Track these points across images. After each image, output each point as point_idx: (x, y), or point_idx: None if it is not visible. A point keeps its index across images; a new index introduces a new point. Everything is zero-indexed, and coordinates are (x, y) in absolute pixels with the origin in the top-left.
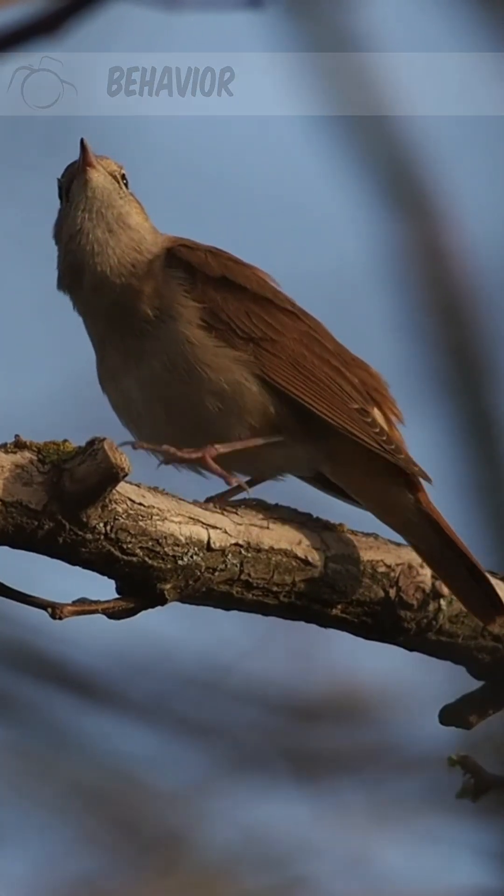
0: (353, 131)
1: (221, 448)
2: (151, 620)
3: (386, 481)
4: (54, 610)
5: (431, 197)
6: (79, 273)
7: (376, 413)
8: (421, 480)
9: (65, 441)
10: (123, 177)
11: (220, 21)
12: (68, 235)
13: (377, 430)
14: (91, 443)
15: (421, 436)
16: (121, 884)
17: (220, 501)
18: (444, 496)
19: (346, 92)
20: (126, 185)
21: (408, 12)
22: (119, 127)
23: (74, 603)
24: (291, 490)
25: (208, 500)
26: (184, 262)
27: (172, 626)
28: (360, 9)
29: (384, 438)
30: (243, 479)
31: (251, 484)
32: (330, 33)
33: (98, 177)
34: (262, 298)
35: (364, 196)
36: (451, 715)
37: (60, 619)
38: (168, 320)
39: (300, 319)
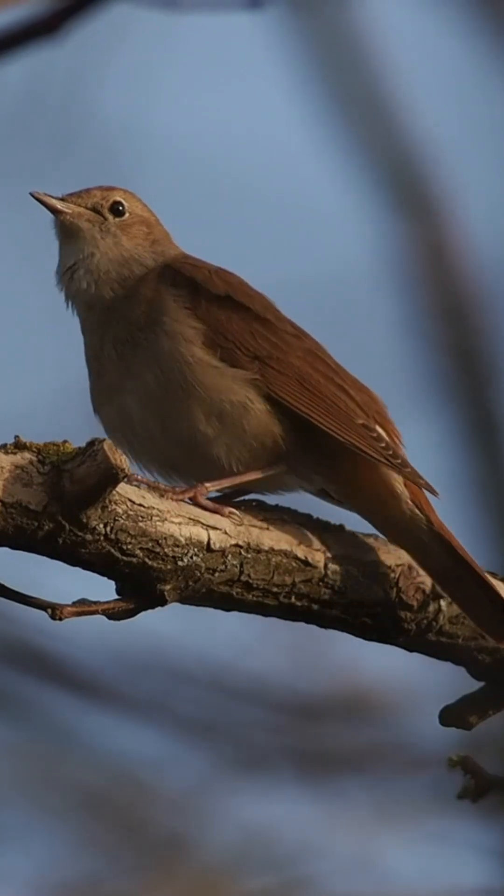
0: (356, 132)
1: (210, 486)
2: (152, 621)
3: (393, 501)
4: (54, 611)
5: (435, 197)
6: (73, 301)
7: (381, 429)
8: (430, 499)
9: (65, 442)
10: (115, 203)
11: (220, 21)
12: (60, 272)
13: (383, 444)
14: (91, 444)
15: (425, 438)
16: (123, 884)
17: (221, 502)
18: (447, 498)
19: (347, 92)
20: (120, 209)
21: (410, 11)
22: (120, 127)
23: (74, 604)
24: (291, 492)
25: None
26: (187, 278)
27: (173, 626)
28: (362, 8)
29: (390, 453)
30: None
31: (244, 493)
32: (331, 33)
33: (66, 219)
34: (265, 319)
35: (367, 196)
36: (452, 716)
37: (60, 619)
38: (160, 334)
39: (302, 339)
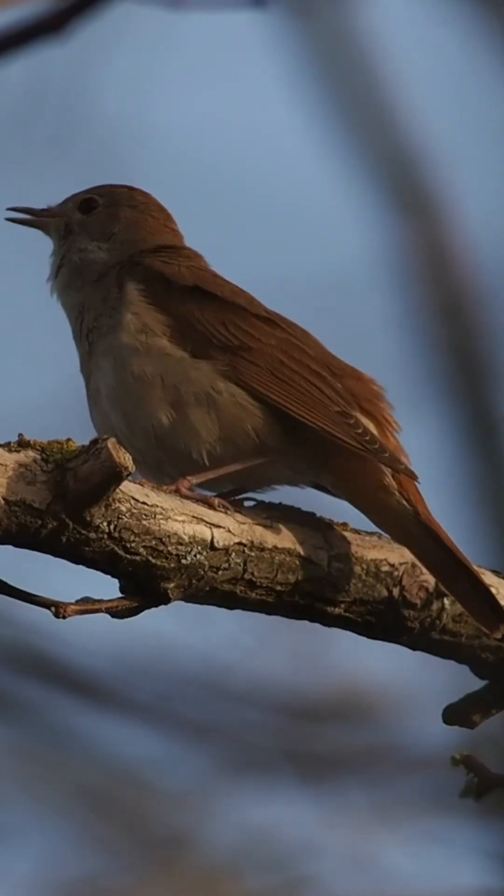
0: (356, 131)
1: (194, 479)
2: (155, 620)
3: (382, 492)
4: (58, 609)
5: (434, 197)
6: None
7: (364, 416)
8: (421, 494)
9: (68, 440)
10: (84, 202)
11: (223, 20)
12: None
13: (360, 430)
14: (94, 441)
15: (423, 436)
16: (124, 884)
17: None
18: (448, 496)
19: (348, 91)
20: (93, 205)
21: (412, 11)
22: (121, 124)
23: (78, 602)
24: (293, 490)
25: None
26: (156, 273)
27: (174, 627)
28: (364, 8)
29: (367, 438)
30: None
31: (234, 494)
32: (332, 32)
33: (50, 232)
34: (236, 306)
35: (366, 196)
36: (455, 714)
37: (64, 618)
38: (118, 323)
39: (279, 326)
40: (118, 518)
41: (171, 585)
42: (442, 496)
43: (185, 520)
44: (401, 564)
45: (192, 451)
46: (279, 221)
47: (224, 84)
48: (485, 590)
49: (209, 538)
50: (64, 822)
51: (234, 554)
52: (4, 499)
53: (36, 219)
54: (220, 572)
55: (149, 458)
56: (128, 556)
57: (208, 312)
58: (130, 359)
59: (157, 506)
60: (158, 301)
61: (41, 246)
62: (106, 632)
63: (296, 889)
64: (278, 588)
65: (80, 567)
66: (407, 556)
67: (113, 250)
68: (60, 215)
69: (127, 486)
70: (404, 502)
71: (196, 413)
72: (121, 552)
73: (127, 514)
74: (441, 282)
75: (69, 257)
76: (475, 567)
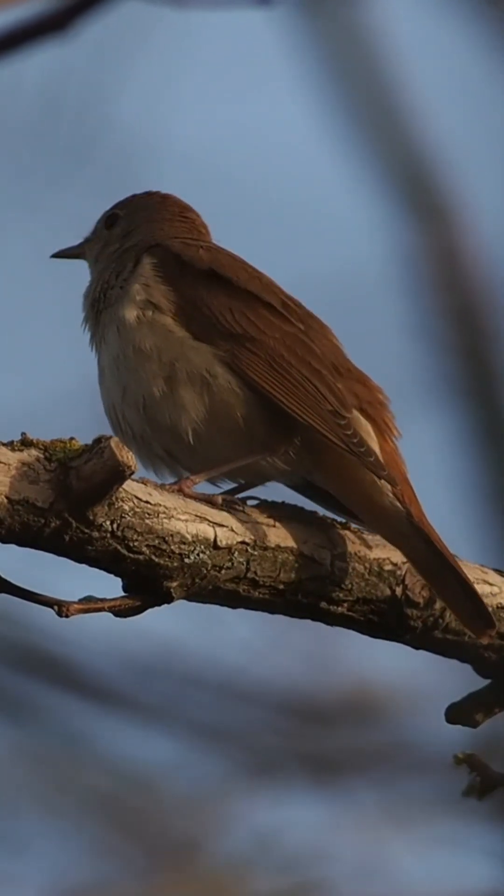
0: (369, 133)
1: (196, 479)
2: (163, 621)
3: (374, 492)
4: (60, 608)
5: (447, 199)
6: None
7: (357, 419)
8: (416, 496)
9: (71, 439)
10: (108, 219)
11: (231, 20)
12: None
13: (349, 432)
14: (98, 441)
15: (433, 439)
16: (134, 889)
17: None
18: (455, 498)
19: (359, 92)
20: (117, 220)
21: (424, 11)
22: (126, 126)
23: (81, 601)
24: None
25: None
26: (174, 254)
27: (182, 628)
28: (374, 7)
29: (355, 441)
30: (231, 485)
31: (238, 491)
32: (342, 32)
33: (87, 257)
34: (248, 294)
35: (378, 198)
36: (458, 713)
37: (67, 616)
38: (126, 293)
39: (288, 320)
40: (121, 517)
41: (174, 584)
42: (449, 497)
43: (188, 519)
44: (404, 563)
45: (177, 426)
46: (290, 223)
47: (234, 84)
48: (474, 594)
49: (212, 537)
50: (72, 827)
51: (236, 553)
52: (7, 497)
53: (79, 250)
54: (223, 571)
55: (137, 429)
56: (131, 554)
57: (217, 298)
58: (132, 331)
59: (160, 504)
60: (170, 279)
61: (43, 248)
62: (114, 633)
63: (306, 892)
64: (281, 587)
65: (83, 566)
66: None
67: (129, 239)
68: (96, 240)
69: (130, 485)
70: (397, 503)
71: (187, 391)
72: (124, 551)
73: (130, 513)
74: (453, 285)
75: (98, 272)
76: (466, 572)
